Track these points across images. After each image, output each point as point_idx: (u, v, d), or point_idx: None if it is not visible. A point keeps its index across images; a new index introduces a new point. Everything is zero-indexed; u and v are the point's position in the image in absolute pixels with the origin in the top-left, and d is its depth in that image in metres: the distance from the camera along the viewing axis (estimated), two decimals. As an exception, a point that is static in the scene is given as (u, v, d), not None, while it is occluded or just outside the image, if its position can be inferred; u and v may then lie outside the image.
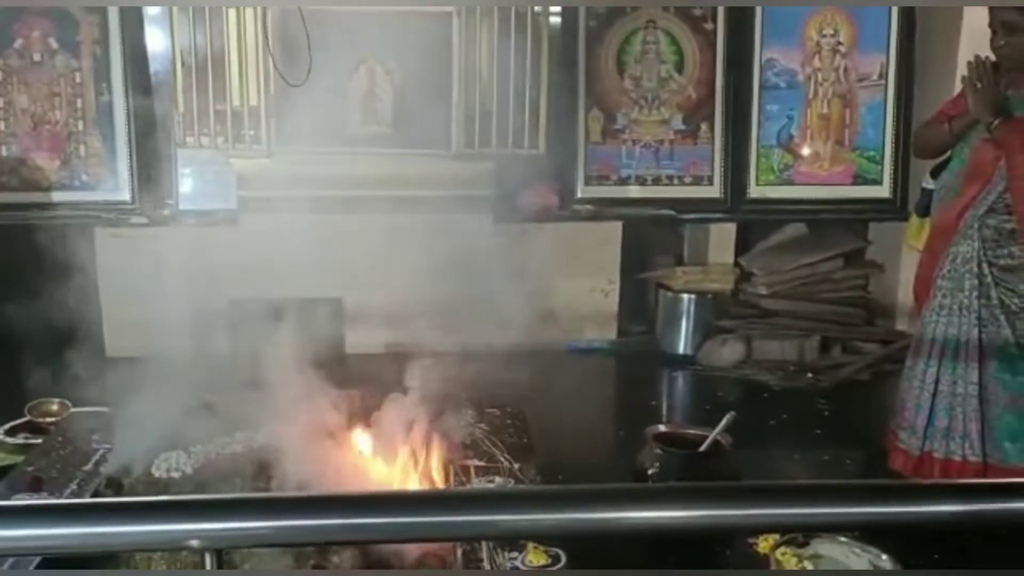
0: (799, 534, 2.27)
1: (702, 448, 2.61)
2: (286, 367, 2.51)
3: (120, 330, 3.91)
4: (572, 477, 2.70)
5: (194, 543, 0.80)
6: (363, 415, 2.49)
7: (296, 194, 3.52)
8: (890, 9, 4.40)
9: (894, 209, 4.42)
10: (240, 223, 3.99)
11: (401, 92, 3.99)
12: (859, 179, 4.50)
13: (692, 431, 2.71)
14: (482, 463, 2.54)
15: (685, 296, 4.16)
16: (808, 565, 2.22)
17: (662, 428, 2.75)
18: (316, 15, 3.74)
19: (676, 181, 4.50)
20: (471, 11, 3.92)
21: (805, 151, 4.49)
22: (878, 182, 4.49)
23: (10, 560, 1.91)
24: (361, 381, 2.82)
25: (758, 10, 4.39)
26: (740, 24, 4.41)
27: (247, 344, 2.64)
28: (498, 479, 2.48)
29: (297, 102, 3.62)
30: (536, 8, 4.02)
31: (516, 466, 2.53)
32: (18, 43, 4.07)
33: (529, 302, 3.77)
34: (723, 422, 2.64)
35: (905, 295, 4.05)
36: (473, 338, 2.93)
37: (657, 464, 2.56)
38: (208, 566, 0.82)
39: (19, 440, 2.86)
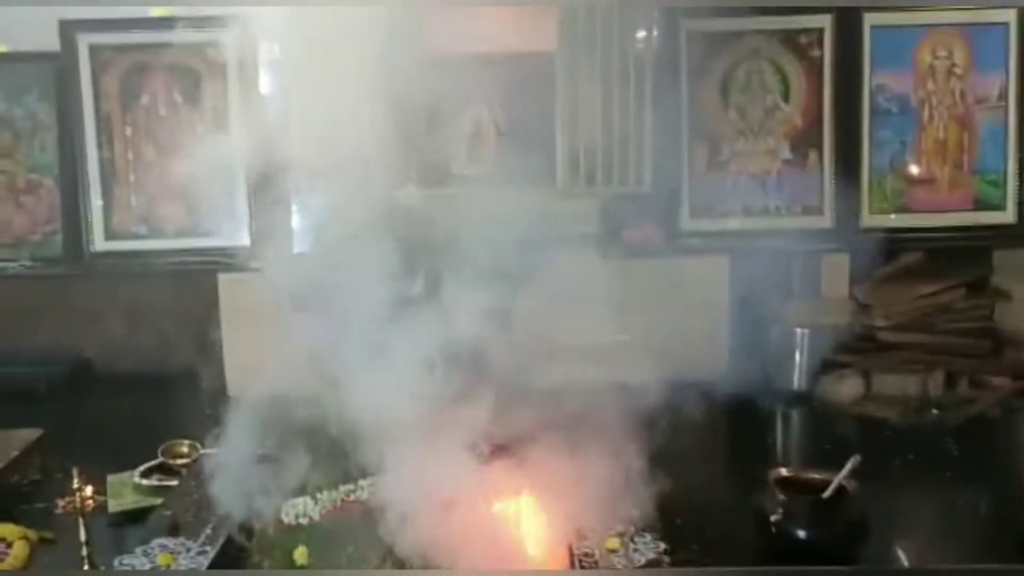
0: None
1: (825, 494, 2.55)
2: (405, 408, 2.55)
3: (241, 371, 4.05)
4: (690, 518, 2.66)
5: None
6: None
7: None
8: (1008, 28, 4.24)
9: (1020, 235, 4.24)
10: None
11: (505, 132, 4.06)
12: (980, 204, 4.32)
13: (816, 475, 2.64)
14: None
15: (798, 330, 4.05)
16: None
17: (784, 472, 2.69)
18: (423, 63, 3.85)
19: (784, 212, 4.41)
20: (572, 49, 3.96)
21: (920, 177, 4.34)
22: (1001, 207, 4.30)
23: None
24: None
25: (867, 35, 4.29)
26: (848, 50, 4.31)
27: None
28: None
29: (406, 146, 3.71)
30: (638, 43, 4.04)
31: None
32: (144, 98, 4.31)
33: (637, 336, 3.75)
34: (847, 466, 2.57)
35: (1036, 325, 3.88)
36: (574, 374, 2.94)
37: (781, 510, 2.50)
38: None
39: (153, 482, 2.97)
